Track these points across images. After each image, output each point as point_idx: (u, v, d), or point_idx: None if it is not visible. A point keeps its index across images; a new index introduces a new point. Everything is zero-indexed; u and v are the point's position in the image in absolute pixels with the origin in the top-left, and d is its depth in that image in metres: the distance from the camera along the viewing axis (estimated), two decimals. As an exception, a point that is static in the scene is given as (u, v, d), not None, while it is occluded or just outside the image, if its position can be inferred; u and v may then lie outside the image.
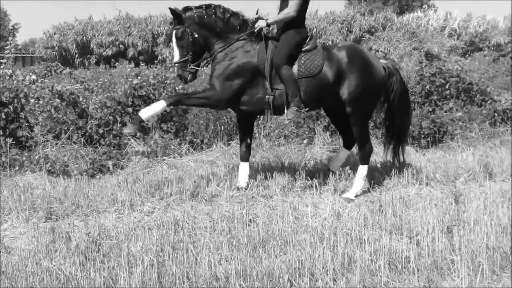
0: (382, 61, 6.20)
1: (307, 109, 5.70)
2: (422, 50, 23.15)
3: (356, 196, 5.76)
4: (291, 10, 5.63)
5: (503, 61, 19.14)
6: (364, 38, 29.97)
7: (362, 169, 5.94)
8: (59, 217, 5.26)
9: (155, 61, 17.86)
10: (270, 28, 5.95)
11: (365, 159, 5.96)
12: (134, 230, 4.78)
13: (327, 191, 5.94)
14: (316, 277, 3.75)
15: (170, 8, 5.63)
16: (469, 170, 6.57)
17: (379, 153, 7.75)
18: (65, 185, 6.21)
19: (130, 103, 8.03)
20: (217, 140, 8.02)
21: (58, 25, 33.72)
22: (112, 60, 18.77)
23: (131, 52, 33.42)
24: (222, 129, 8.14)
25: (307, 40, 5.77)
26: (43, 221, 5.17)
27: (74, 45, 32.47)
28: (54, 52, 32.41)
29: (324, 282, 3.70)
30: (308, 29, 6.02)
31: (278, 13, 5.81)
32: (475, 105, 9.54)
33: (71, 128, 7.46)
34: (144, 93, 8.13)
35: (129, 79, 8.41)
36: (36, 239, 4.61)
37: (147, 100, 8.13)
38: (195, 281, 3.74)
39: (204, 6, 5.74)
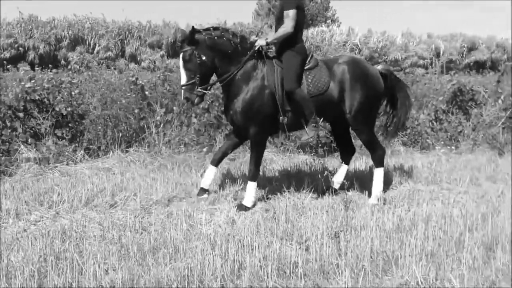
0: (378, 67, 6.35)
1: (321, 120, 5.88)
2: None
3: (379, 200, 5.81)
4: (287, 26, 5.63)
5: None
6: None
7: (379, 172, 6.04)
8: None
9: (53, 65, 17.09)
10: (272, 48, 5.92)
11: (379, 162, 6.07)
12: (18, 240, 4.54)
13: (225, 198, 5.95)
14: (204, 284, 3.73)
15: (182, 30, 5.48)
16: (361, 178, 6.82)
17: (278, 162, 7.91)
18: None
19: (22, 107, 7.65)
20: (115, 147, 7.82)
21: (-50, 26, 31.62)
22: (5, 62, 17.81)
23: (31, 55, 32.04)
24: (120, 135, 7.94)
25: (309, 58, 5.84)
26: None
27: (-32, 47, 30.60)
28: None
29: (212, 288, 3.69)
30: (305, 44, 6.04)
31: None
32: (370, 116, 9.94)
33: (-45, 133, 6.99)
34: (37, 97, 7.76)
35: (22, 83, 7.99)
36: None
37: (40, 105, 7.79)
38: (78, 292, 3.61)
39: (212, 28, 5.66)
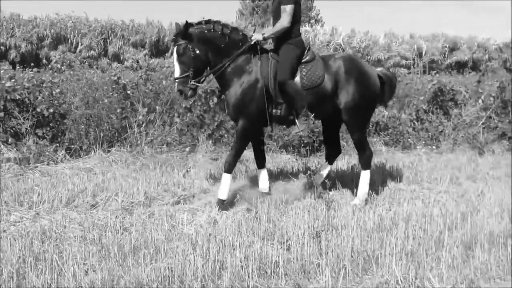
0: (378, 69, 6.35)
1: (312, 115, 5.83)
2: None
3: (361, 201, 5.81)
4: (284, 21, 5.66)
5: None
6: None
7: (365, 174, 6.01)
8: None
9: (35, 64, 16.92)
10: (268, 42, 5.93)
11: (366, 164, 6.04)
12: (-4, 241, 4.49)
13: (206, 198, 5.94)
14: (185, 284, 3.72)
15: (177, 24, 5.55)
16: (343, 178, 6.85)
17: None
18: None
19: (2, 107, 7.55)
20: (96, 147, 7.75)
21: None
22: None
23: (12, 54, 31.73)
24: (102, 135, 7.89)
25: (306, 51, 5.83)
26: None
27: None
28: None
29: (193, 289, 3.68)
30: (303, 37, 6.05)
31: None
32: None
33: None
34: (18, 97, 7.68)
35: (2, 82, 7.89)
36: None
37: (21, 105, 7.70)
38: (57, 293, 3.58)
39: (203, 22, 5.67)
